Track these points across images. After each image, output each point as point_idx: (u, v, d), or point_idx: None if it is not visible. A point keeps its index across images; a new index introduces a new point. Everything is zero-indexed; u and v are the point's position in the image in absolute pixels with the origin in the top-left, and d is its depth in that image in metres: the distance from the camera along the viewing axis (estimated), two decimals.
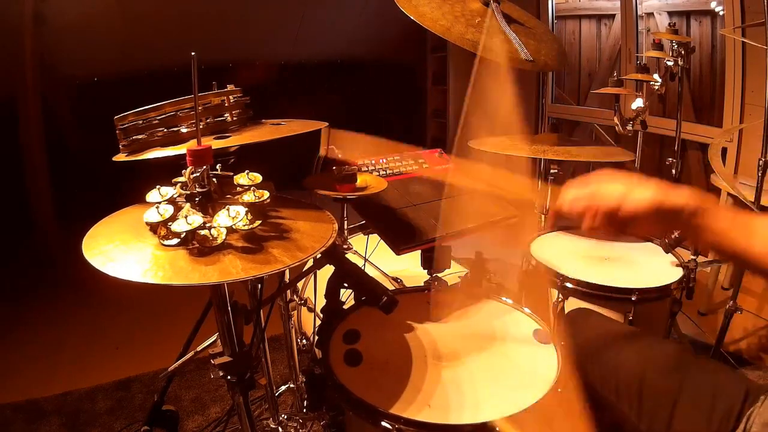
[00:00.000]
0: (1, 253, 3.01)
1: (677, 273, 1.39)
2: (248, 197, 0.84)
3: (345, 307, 1.14)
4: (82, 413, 1.89)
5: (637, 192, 0.73)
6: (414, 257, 1.42)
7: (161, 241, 0.78)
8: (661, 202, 0.72)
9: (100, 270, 0.72)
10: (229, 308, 0.89)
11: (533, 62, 1.26)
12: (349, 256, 1.38)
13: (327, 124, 1.12)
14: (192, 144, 0.86)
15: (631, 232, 0.79)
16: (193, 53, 0.77)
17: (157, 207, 0.81)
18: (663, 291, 1.35)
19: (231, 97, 1.07)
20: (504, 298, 1.22)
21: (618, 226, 0.76)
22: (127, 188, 1.06)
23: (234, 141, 0.99)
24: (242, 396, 0.95)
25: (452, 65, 4.68)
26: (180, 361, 1.07)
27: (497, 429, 0.79)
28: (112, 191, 1.68)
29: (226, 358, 0.91)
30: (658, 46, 1.77)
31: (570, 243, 1.65)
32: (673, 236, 1.39)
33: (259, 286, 1.13)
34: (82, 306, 2.64)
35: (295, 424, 1.46)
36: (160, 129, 0.98)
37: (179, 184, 0.88)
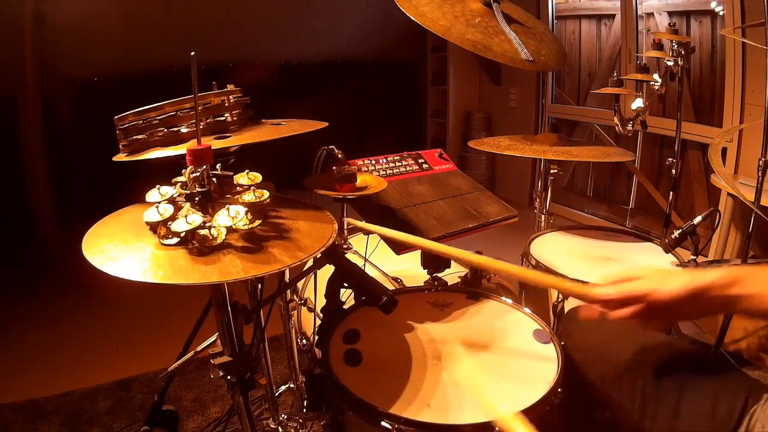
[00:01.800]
0: (1, 254, 3.01)
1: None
2: (248, 197, 0.84)
3: (345, 307, 1.14)
4: (82, 413, 1.89)
5: (669, 279, 0.73)
6: (414, 257, 1.42)
7: (161, 241, 0.78)
8: (691, 283, 0.71)
9: (100, 269, 0.72)
10: (229, 308, 0.89)
11: (533, 62, 1.26)
12: (349, 256, 1.38)
13: (327, 123, 1.12)
14: (192, 144, 0.86)
15: (672, 319, 0.78)
16: (192, 53, 0.77)
17: (157, 206, 0.81)
18: None
19: (231, 97, 1.07)
20: (504, 298, 1.22)
21: (655, 313, 0.76)
22: (127, 188, 1.06)
23: (234, 141, 0.99)
24: (242, 396, 0.95)
25: (452, 65, 4.68)
26: (180, 361, 1.07)
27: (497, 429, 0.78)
28: (112, 191, 1.68)
29: (226, 358, 0.91)
30: (658, 46, 1.77)
31: (570, 243, 1.65)
32: (673, 236, 1.39)
33: (259, 286, 1.14)
34: (82, 306, 2.64)
35: (295, 424, 1.46)
36: (160, 129, 0.98)
37: (179, 184, 0.88)
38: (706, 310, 0.77)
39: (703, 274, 0.72)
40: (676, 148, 1.93)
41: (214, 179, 0.87)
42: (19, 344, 2.37)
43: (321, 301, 1.13)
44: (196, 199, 0.84)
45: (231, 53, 3.91)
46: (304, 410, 1.04)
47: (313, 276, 1.54)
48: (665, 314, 0.77)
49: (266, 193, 0.86)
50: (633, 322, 0.77)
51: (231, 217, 0.79)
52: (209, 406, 1.90)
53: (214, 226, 0.78)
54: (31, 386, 2.03)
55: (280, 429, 1.43)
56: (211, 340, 1.04)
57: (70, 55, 3.28)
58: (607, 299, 0.79)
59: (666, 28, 1.74)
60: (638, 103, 1.71)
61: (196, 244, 0.77)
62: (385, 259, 1.53)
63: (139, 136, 0.97)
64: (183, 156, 0.83)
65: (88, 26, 3.08)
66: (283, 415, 1.47)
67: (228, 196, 0.89)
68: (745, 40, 2.35)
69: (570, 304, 1.38)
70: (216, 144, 0.96)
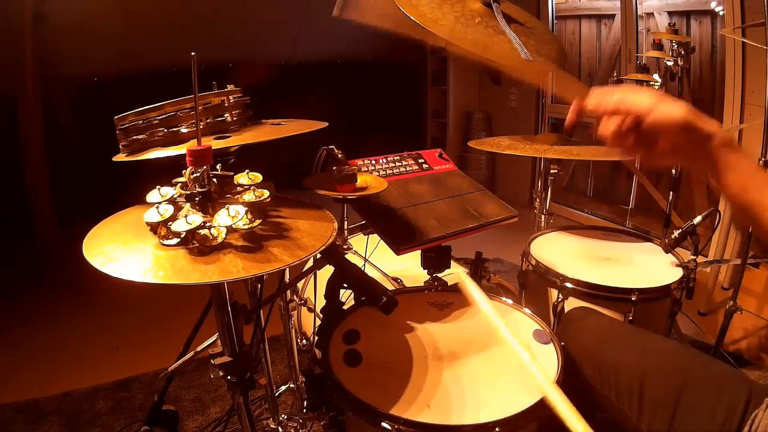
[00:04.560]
0: (1, 253, 3.01)
1: (677, 273, 1.39)
2: (248, 196, 0.84)
3: (345, 307, 1.14)
4: (82, 413, 1.89)
5: (669, 103, 0.68)
6: (414, 257, 1.41)
7: (161, 241, 0.78)
8: (693, 119, 0.67)
9: (100, 270, 0.72)
10: (229, 308, 0.89)
11: (533, 62, 1.25)
12: (349, 256, 1.38)
13: (327, 123, 1.12)
14: (192, 144, 0.86)
15: (651, 152, 0.71)
16: (193, 53, 0.77)
17: (157, 207, 0.81)
18: (663, 291, 1.35)
19: (231, 97, 1.07)
20: (504, 298, 1.22)
21: (642, 139, 0.70)
22: (127, 188, 1.06)
23: (234, 141, 0.99)
24: (242, 396, 0.95)
25: (452, 65, 4.68)
26: (180, 361, 1.07)
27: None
28: (112, 191, 1.68)
29: (226, 358, 0.91)
30: (658, 46, 1.77)
31: (570, 243, 1.65)
32: (673, 236, 1.39)
33: (259, 286, 1.14)
34: (82, 306, 2.64)
35: (295, 424, 1.46)
36: (160, 129, 0.98)
37: (179, 184, 0.88)
38: (693, 159, 0.71)
39: (707, 120, 0.68)
40: None
41: (214, 179, 0.87)
42: (19, 344, 2.36)
43: (321, 301, 1.13)
44: (196, 199, 0.84)
45: (231, 53, 3.91)
46: (304, 410, 1.04)
47: (313, 276, 1.54)
48: (653, 142, 0.70)
49: (266, 193, 0.86)
50: (616, 140, 0.72)
51: (231, 216, 0.79)
52: (209, 406, 1.90)
53: (215, 226, 0.78)
54: (31, 386, 2.03)
55: (280, 429, 1.43)
56: (211, 340, 1.04)
57: (70, 55, 3.28)
58: (602, 109, 0.72)
59: (666, 28, 1.75)
60: None
61: (197, 244, 0.77)
62: (385, 259, 1.53)
63: (139, 136, 0.97)
64: (183, 156, 0.83)
65: (88, 26, 3.08)
66: (283, 415, 1.47)
67: (228, 195, 0.89)
68: (745, 40, 2.35)
69: (570, 304, 1.38)
70: (216, 144, 0.96)
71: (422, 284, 1.38)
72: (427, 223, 1.32)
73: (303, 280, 1.63)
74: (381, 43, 4.61)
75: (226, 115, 1.07)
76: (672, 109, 0.67)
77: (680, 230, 1.37)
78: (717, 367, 0.92)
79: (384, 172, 1.48)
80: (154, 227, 0.81)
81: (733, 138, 0.69)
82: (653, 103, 0.68)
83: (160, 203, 0.82)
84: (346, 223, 1.45)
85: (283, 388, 1.72)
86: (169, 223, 0.78)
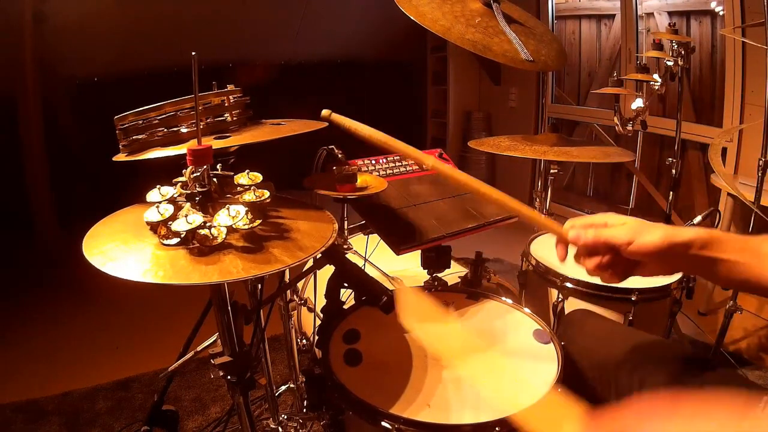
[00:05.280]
0: (1, 253, 3.01)
1: (677, 273, 1.39)
2: (248, 197, 0.84)
3: (345, 307, 1.14)
4: (82, 413, 1.89)
5: (647, 230, 0.71)
6: (414, 257, 1.42)
7: (161, 241, 0.78)
8: (671, 237, 0.69)
9: (100, 270, 0.72)
10: (229, 308, 0.89)
11: (533, 62, 1.26)
12: (349, 256, 1.38)
13: (327, 124, 1.12)
14: (192, 143, 0.86)
15: (636, 272, 0.76)
16: (193, 53, 0.77)
17: (158, 206, 0.81)
18: (663, 291, 1.35)
19: (231, 97, 1.07)
20: (504, 298, 1.22)
21: (624, 264, 0.74)
22: (127, 188, 1.06)
23: (234, 141, 0.99)
24: (242, 396, 0.95)
25: (452, 65, 4.68)
26: (180, 361, 1.07)
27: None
28: (112, 191, 1.68)
29: (226, 358, 0.91)
30: (658, 46, 1.77)
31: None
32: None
33: (259, 286, 1.14)
34: (82, 306, 2.64)
35: (295, 424, 1.46)
36: (160, 129, 0.98)
37: (179, 184, 0.88)
38: (677, 268, 0.75)
39: (682, 231, 0.70)
40: (676, 148, 1.93)
41: (214, 179, 0.87)
42: (19, 344, 2.36)
43: (321, 301, 1.13)
44: (197, 198, 0.84)
45: (231, 53, 3.91)
46: (304, 410, 1.04)
47: (313, 276, 1.54)
48: (635, 266, 0.75)
49: (266, 193, 0.86)
50: (598, 272, 0.75)
51: (231, 216, 0.79)
52: (209, 406, 1.91)
53: (215, 226, 0.78)
54: (31, 386, 2.03)
55: (280, 429, 1.43)
56: (211, 340, 1.04)
57: (70, 55, 3.28)
58: (581, 243, 0.76)
59: (666, 28, 1.74)
60: (638, 103, 1.71)
61: (197, 244, 0.77)
62: (385, 259, 1.53)
63: (139, 136, 0.97)
64: (183, 156, 0.83)
65: (88, 26, 3.08)
66: (283, 415, 1.47)
67: (228, 195, 0.89)
68: (745, 40, 2.35)
69: (570, 304, 1.38)
70: (216, 144, 0.96)
71: (422, 284, 1.38)
72: (427, 223, 1.32)
73: (303, 280, 1.63)
74: (381, 43, 4.61)
75: (226, 115, 1.07)
76: (649, 238, 0.70)
77: None
78: (714, 368, 0.92)
79: (384, 172, 1.48)
80: (154, 227, 0.81)
81: (710, 234, 0.70)
82: (630, 235, 0.71)
83: (160, 203, 0.82)
84: (346, 223, 1.45)
85: (283, 388, 1.72)
86: (169, 223, 0.78)
